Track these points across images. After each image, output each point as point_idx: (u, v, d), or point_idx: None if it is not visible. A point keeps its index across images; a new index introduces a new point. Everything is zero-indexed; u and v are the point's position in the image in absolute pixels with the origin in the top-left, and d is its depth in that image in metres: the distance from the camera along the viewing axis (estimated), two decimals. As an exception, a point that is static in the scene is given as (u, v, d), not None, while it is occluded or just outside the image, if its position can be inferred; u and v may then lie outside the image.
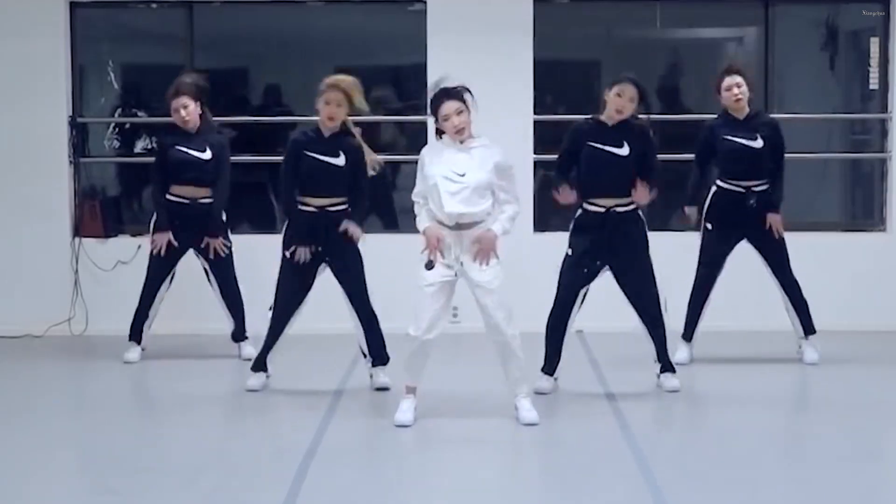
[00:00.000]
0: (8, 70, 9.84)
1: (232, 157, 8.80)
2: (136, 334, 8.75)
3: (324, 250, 7.69)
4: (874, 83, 10.12)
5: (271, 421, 7.47)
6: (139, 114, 10.63)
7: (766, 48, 10.12)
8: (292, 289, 7.69)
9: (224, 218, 8.65)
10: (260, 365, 7.87)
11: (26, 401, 7.87)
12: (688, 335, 8.57)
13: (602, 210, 7.57)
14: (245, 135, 10.72)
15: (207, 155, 8.55)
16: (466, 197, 6.86)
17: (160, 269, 8.63)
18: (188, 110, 8.50)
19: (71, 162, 9.95)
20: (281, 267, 7.71)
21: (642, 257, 7.59)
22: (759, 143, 8.30)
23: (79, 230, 9.92)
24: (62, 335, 9.77)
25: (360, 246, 7.78)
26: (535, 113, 9.93)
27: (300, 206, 7.67)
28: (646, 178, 7.51)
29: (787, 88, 10.33)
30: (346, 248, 7.72)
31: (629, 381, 7.90)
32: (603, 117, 7.66)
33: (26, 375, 8.59)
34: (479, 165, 6.90)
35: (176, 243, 8.52)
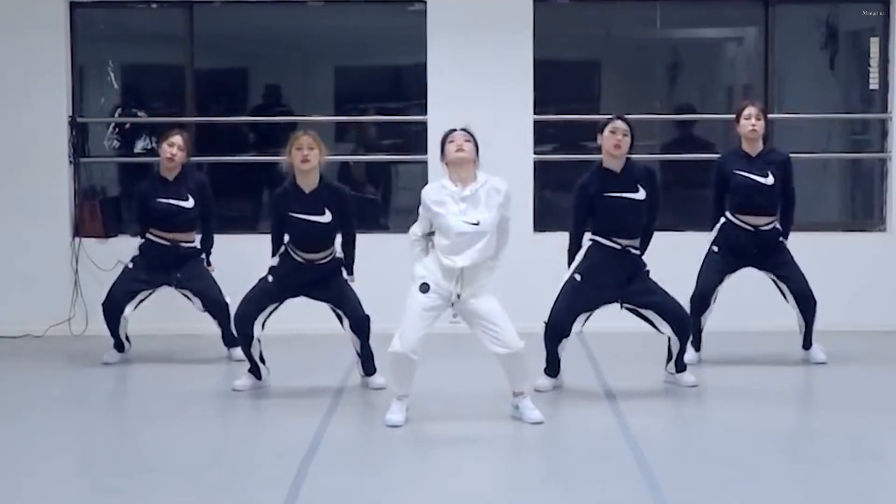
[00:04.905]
0: (8, 70, 9.85)
1: (232, 158, 8.81)
2: (118, 346, 8.78)
3: (312, 294, 7.84)
4: (874, 83, 10.12)
5: (271, 421, 7.47)
6: (139, 114, 10.63)
7: (766, 48, 10.12)
8: (260, 302, 7.74)
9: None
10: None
11: (26, 401, 7.87)
12: (695, 344, 8.61)
13: (618, 247, 7.70)
14: (245, 135, 10.75)
15: (190, 203, 8.58)
16: (481, 247, 6.90)
17: (129, 286, 8.64)
18: (175, 150, 8.53)
19: (71, 162, 9.95)
20: (259, 282, 7.77)
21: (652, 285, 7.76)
22: (770, 181, 8.32)
23: (79, 230, 9.93)
24: (62, 335, 9.77)
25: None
26: (535, 113, 9.93)
27: (291, 255, 7.72)
28: (652, 220, 7.75)
29: (787, 88, 10.33)
30: (331, 283, 7.81)
31: (629, 381, 7.89)
32: (605, 164, 7.72)
33: (26, 375, 8.59)
34: (488, 207, 6.93)
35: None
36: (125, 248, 9.28)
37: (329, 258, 7.76)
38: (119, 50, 10.63)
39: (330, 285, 7.79)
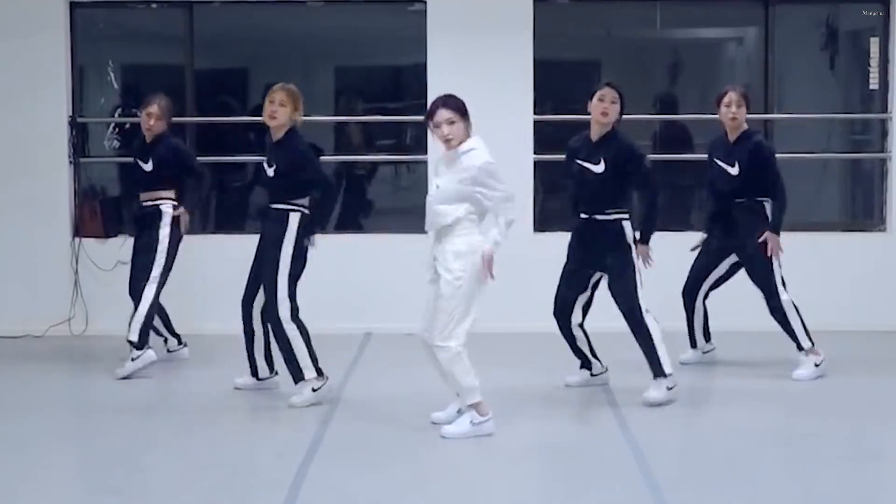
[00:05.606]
0: (8, 70, 9.85)
1: (232, 158, 8.79)
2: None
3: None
4: (874, 83, 10.12)
5: (271, 421, 7.47)
6: (139, 114, 10.60)
7: (766, 48, 10.12)
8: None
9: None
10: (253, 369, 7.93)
11: (26, 401, 7.87)
12: (691, 342, 8.61)
13: (583, 218, 7.63)
14: (245, 135, 10.74)
15: (149, 166, 8.53)
16: (433, 208, 6.79)
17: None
18: (152, 120, 8.52)
19: (71, 162, 9.95)
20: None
21: (624, 265, 7.56)
22: (734, 171, 8.20)
23: (79, 230, 9.93)
24: (62, 335, 9.77)
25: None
26: (535, 113, 9.93)
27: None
28: (644, 199, 7.62)
29: (787, 88, 10.33)
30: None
31: (629, 382, 7.89)
32: (591, 131, 7.67)
33: (26, 375, 8.59)
34: (455, 174, 6.79)
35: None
36: (125, 248, 9.28)
37: (276, 211, 7.63)
38: (119, 50, 10.63)
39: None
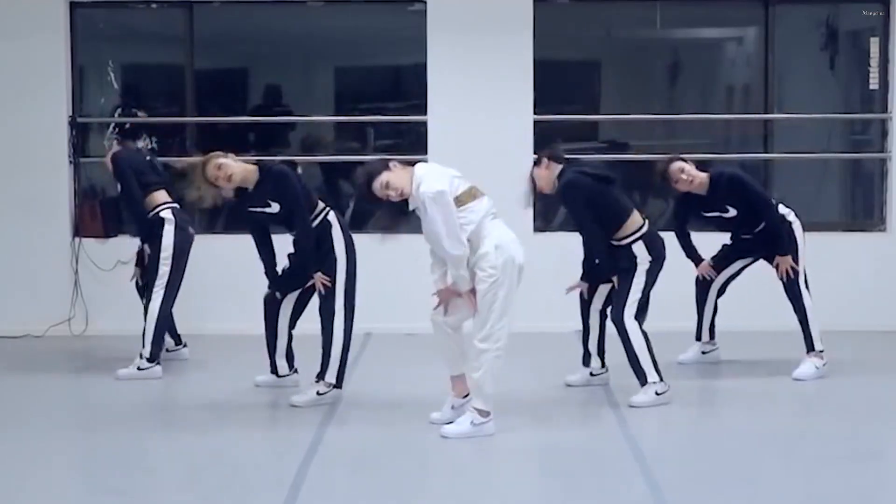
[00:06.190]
0: (8, 70, 9.85)
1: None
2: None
3: None
4: (874, 83, 10.12)
5: (271, 421, 7.47)
6: (139, 114, 10.61)
7: (766, 48, 10.12)
8: None
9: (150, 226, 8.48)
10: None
11: (26, 401, 7.87)
12: (697, 335, 8.63)
13: None
14: (245, 135, 10.74)
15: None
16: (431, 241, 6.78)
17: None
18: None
19: (71, 162, 9.95)
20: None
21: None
22: (732, 213, 8.18)
23: (79, 230, 9.92)
24: (62, 335, 9.77)
25: None
26: (535, 113, 9.93)
27: None
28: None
29: (787, 88, 10.33)
30: None
31: (630, 382, 7.88)
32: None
33: (26, 376, 8.59)
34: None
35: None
36: (125, 248, 9.30)
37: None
38: (119, 50, 10.62)
39: None
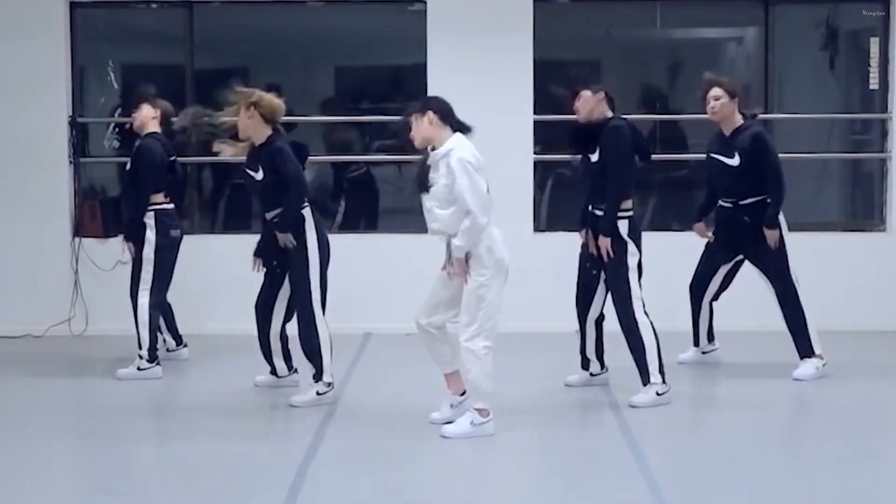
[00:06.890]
0: (8, 70, 9.85)
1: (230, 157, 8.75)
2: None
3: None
4: (874, 83, 10.12)
5: (271, 421, 7.47)
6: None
7: (766, 48, 10.12)
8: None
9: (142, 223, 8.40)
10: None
11: (26, 401, 7.87)
12: (694, 341, 8.61)
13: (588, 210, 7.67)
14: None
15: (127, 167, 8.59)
16: (431, 213, 6.78)
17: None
18: (135, 115, 8.57)
19: (71, 162, 9.96)
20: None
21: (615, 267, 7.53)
22: (735, 161, 8.11)
23: (79, 230, 9.93)
24: (62, 335, 9.77)
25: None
26: (535, 113, 9.93)
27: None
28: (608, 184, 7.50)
29: (787, 88, 10.33)
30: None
31: (630, 382, 7.88)
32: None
33: (26, 376, 8.59)
34: (440, 177, 6.75)
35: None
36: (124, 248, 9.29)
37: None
38: (119, 50, 10.63)
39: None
